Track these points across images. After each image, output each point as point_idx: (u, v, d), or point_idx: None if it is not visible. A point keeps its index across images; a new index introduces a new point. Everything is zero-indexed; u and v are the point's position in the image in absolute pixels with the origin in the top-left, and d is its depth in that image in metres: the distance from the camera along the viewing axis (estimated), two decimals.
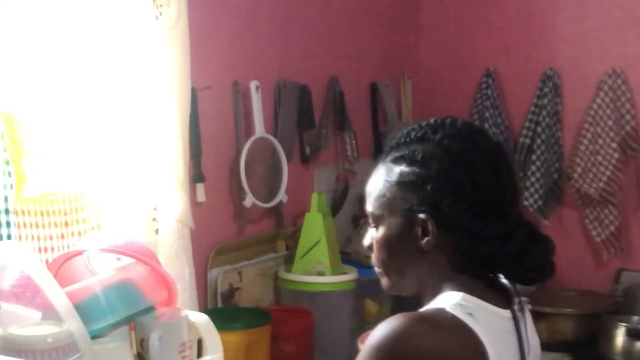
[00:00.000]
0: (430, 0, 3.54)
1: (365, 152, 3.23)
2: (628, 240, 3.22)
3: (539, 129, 3.23)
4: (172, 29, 2.19)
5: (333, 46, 3.10)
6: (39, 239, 2.02)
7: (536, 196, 3.21)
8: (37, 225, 2.01)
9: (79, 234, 2.10)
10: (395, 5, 3.43)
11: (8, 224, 1.97)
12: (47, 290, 1.75)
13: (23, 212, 1.99)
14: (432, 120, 1.49)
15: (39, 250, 2.02)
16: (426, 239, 1.43)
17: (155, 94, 2.19)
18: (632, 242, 3.22)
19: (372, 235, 1.52)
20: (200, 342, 2.04)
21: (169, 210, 2.23)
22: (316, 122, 2.98)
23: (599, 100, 3.15)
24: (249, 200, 2.61)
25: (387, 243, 1.48)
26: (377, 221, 1.49)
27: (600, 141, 3.14)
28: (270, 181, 2.74)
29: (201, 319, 2.02)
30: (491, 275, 1.48)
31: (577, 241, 3.27)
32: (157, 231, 2.24)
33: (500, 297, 1.46)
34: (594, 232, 3.19)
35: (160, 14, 2.17)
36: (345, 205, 3.10)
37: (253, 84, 2.64)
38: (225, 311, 2.52)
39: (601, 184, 3.12)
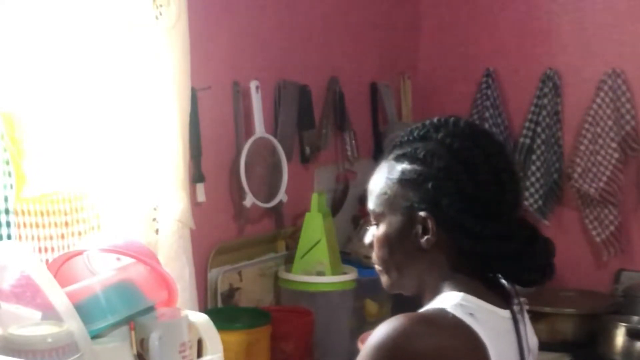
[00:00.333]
0: (430, 1, 3.54)
1: (365, 152, 3.23)
2: (628, 240, 3.22)
3: (539, 129, 3.24)
4: (172, 29, 2.19)
5: (333, 46, 3.10)
6: (39, 239, 2.02)
7: (536, 196, 3.21)
8: (37, 225, 2.01)
9: (79, 234, 2.10)
10: (395, 6, 3.43)
11: (8, 224, 1.97)
12: (47, 290, 1.75)
13: (23, 212, 1.99)
14: (435, 119, 1.49)
15: (39, 250, 2.02)
16: (426, 237, 1.43)
17: (155, 94, 2.19)
18: (632, 242, 3.22)
19: (373, 233, 1.52)
20: (200, 342, 2.04)
21: (169, 210, 2.23)
22: (316, 122, 2.98)
23: (599, 100, 3.15)
24: (249, 200, 2.61)
25: (387, 241, 1.48)
26: (378, 219, 1.49)
27: (600, 141, 3.14)
28: (270, 181, 2.74)
29: (201, 319, 2.02)
30: (491, 275, 1.48)
31: (577, 241, 3.27)
32: (157, 231, 2.23)
33: (500, 297, 1.46)
34: (594, 232, 3.19)
35: (160, 14, 2.16)
36: (345, 205, 3.10)
37: (253, 84, 2.64)
38: (225, 311, 2.52)
39: (601, 184, 3.13)
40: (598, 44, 3.21)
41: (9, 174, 1.97)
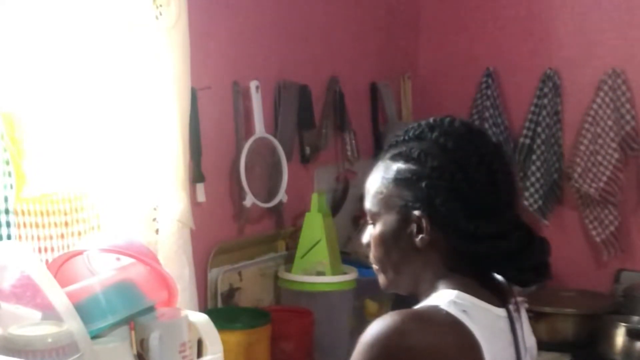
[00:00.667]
0: (430, 1, 3.54)
1: (365, 152, 3.23)
2: (628, 240, 3.22)
3: (539, 129, 3.23)
4: (172, 28, 2.19)
5: (333, 46, 3.10)
6: (39, 239, 2.02)
7: (536, 196, 3.21)
8: (37, 225, 2.01)
9: (79, 234, 2.10)
10: (395, 6, 3.43)
11: (8, 224, 1.97)
12: (47, 290, 1.75)
13: (23, 212, 1.99)
14: (431, 119, 1.49)
15: (39, 250, 2.02)
16: (420, 236, 1.44)
17: (155, 94, 2.19)
18: (632, 242, 3.22)
19: (370, 233, 1.52)
20: (200, 342, 2.05)
21: (169, 210, 2.23)
22: (316, 122, 2.98)
23: (599, 100, 3.15)
24: (249, 200, 2.61)
25: (383, 240, 1.48)
26: (375, 218, 1.50)
27: (600, 141, 3.14)
28: (270, 181, 2.74)
29: (201, 319, 2.02)
30: (487, 274, 1.48)
31: (577, 241, 3.27)
32: (157, 231, 2.24)
33: (496, 296, 1.45)
34: (594, 232, 3.19)
35: (160, 14, 2.17)
36: (345, 205, 3.10)
37: (253, 84, 2.64)
38: (225, 311, 2.52)
39: (601, 184, 3.12)
40: (598, 44, 3.21)
41: (9, 174, 1.97)
